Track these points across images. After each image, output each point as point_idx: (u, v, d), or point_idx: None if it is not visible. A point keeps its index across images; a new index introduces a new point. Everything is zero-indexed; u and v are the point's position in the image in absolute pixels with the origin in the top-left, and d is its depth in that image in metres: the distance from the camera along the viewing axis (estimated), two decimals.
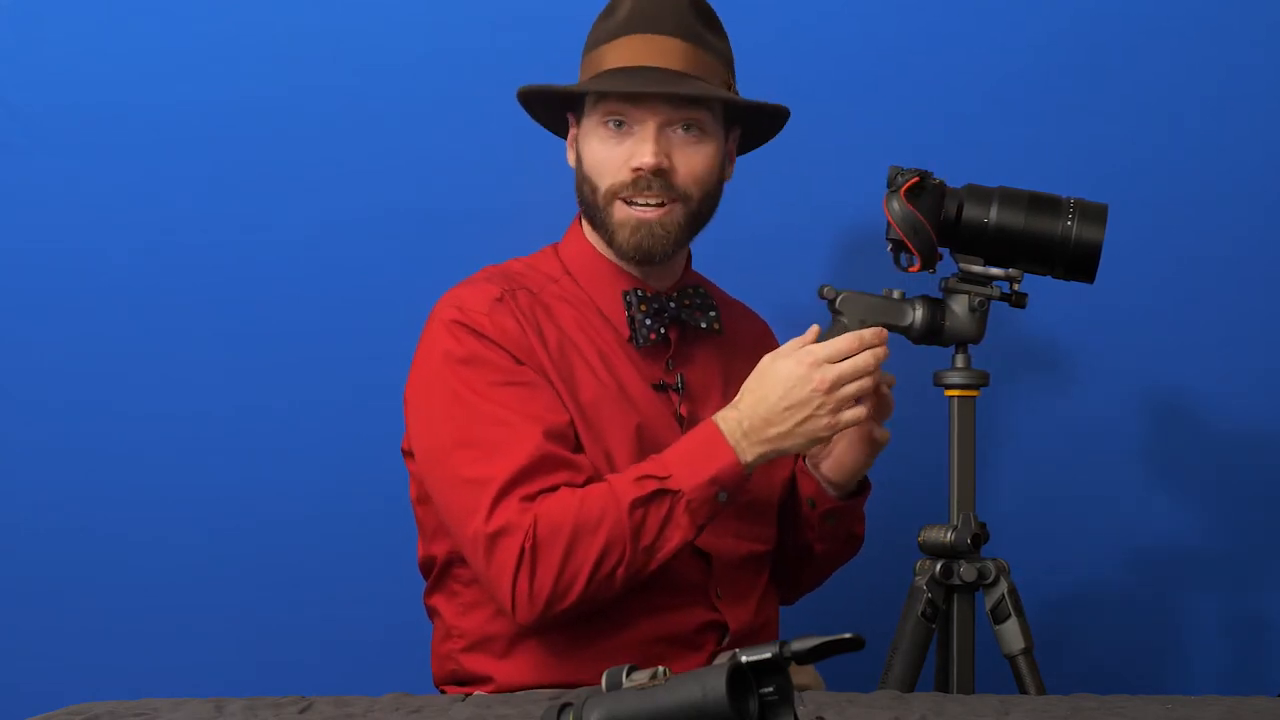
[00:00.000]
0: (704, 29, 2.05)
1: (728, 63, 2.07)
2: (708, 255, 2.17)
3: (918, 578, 2.01)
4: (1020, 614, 2.01)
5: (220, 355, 2.53)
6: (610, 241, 2.04)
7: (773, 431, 1.90)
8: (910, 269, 2.00)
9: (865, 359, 1.91)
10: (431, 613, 2.10)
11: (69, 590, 2.52)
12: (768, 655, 1.21)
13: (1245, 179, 2.55)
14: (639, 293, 2.06)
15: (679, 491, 1.90)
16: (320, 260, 2.53)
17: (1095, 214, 1.98)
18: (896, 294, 2.00)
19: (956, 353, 2.02)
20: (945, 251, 2.01)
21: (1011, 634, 2.01)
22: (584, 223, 2.10)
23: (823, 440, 1.94)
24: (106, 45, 2.52)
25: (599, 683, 1.31)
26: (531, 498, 1.89)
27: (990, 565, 2.01)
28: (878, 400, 1.98)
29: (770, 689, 1.22)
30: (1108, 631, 2.59)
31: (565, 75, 2.12)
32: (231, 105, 2.52)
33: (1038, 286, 2.05)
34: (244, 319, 2.53)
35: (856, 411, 1.91)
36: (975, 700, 1.77)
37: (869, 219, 2.16)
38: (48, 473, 2.52)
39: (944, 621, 2.02)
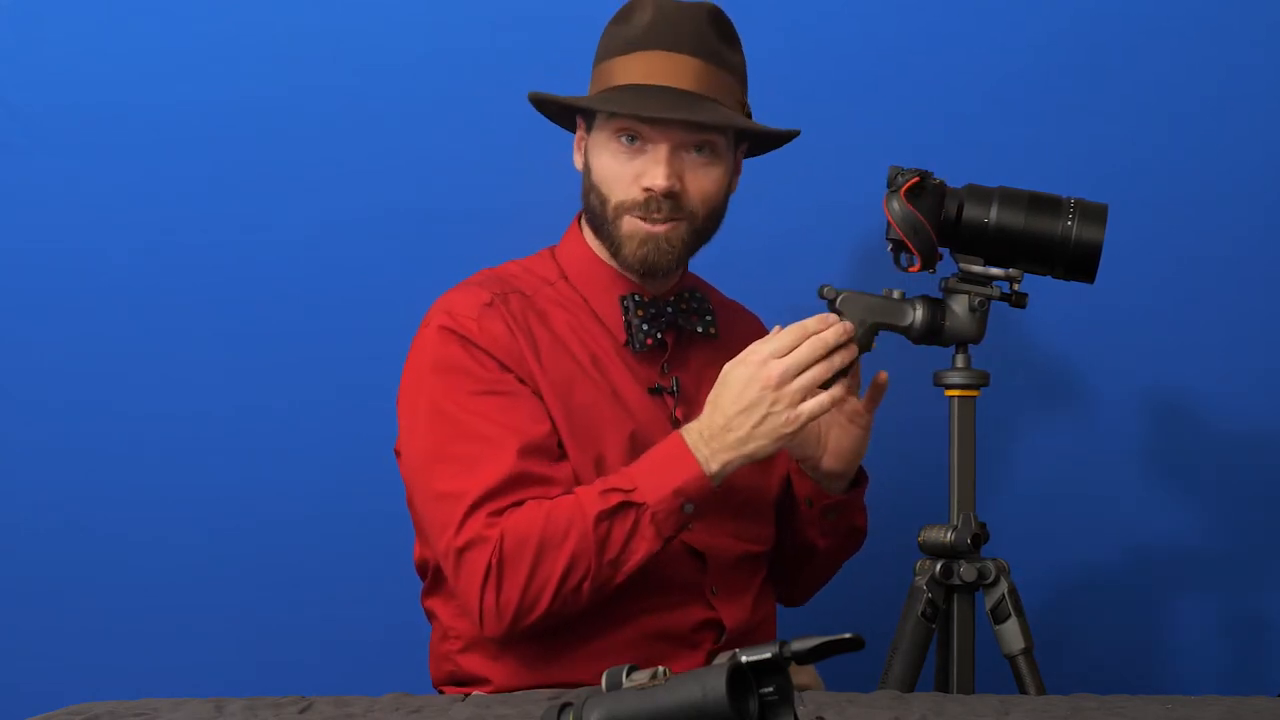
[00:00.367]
0: (721, 44, 2.04)
1: (742, 79, 2.07)
2: (709, 256, 2.17)
3: (918, 578, 2.01)
4: (1020, 614, 2.01)
5: (221, 355, 2.53)
6: (615, 252, 2.04)
7: (732, 437, 1.90)
8: (910, 269, 2.00)
9: (811, 347, 1.89)
10: (429, 614, 2.10)
11: (69, 590, 2.52)
12: (768, 655, 1.21)
13: (1245, 179, 2.55)
14: (636, 297, 2.06)
15: (644, 504, 1.90)
16: (320, 260, 2.53)
17: (1095, 214, 1.98)
18: (896, 294, 2.00)
19: (956, 353, 2.02)
20: (945, 251, 2.01)
21: (1011, 634, 2.01)
22: (583, 226, 2.10)
23: (789, 437, 1.90)
24: (106, 45, 2.52)
25: (597, 682, 1.31)
26: (500, 512, 1.90)
27: (990, 565, 2.01)
28: (853, 382, 1.97)
29: (770, 689, 1.22)
30: (1108, 631, 2.59)
31: (566, 75, 2.12)
32: (231, 105, 2.52)
33: (1038, 286, 2.04)
34: (245, 319, 2.53)
35: (818, 401, 1.89)
36: (975, 700, 1.77)
37: (869, 219, 2.16)
38: (48, 473, 2.52)
39: (944, 621, 2.02)
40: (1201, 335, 2.56)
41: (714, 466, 1.91)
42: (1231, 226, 2.56)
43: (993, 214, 1.98)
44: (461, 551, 1.90)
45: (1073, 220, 1.97)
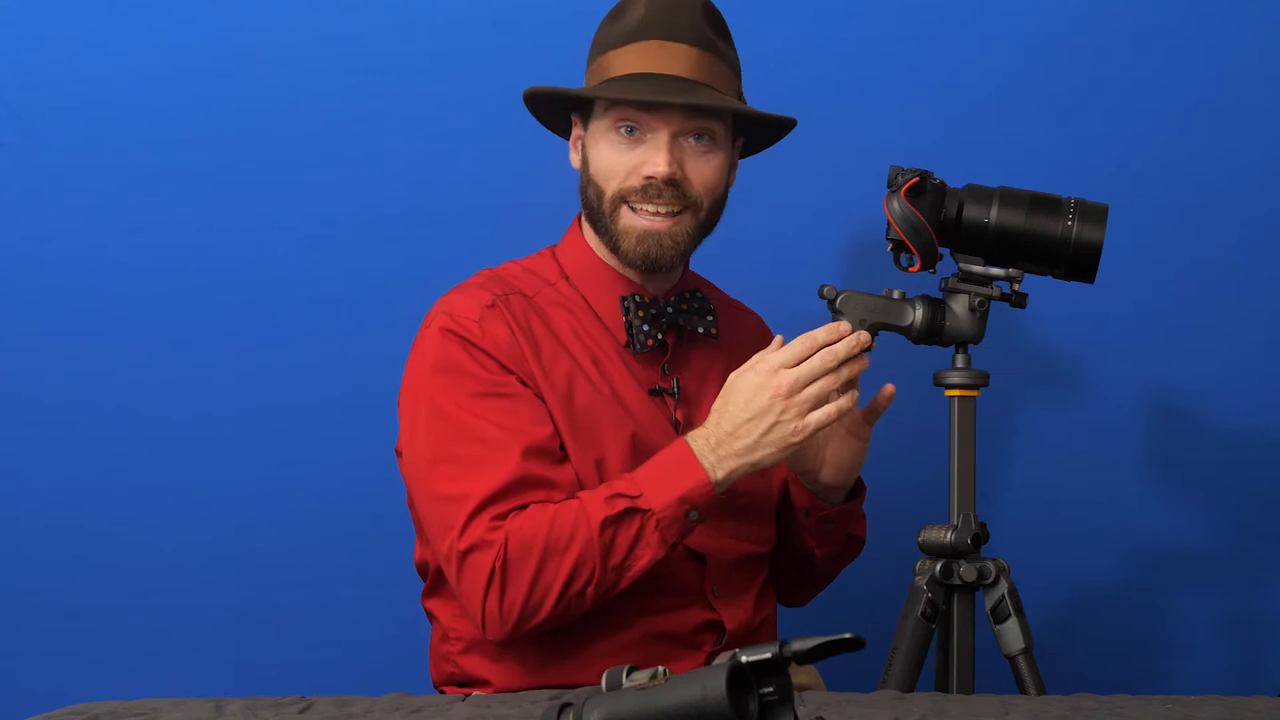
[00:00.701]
0: (716, 37, 2.04)
1: (737, 71, 2.07)
2: (709, 256, 2.17)
3: (918, 578, 2.01)
4: (1020, 614, 2.01)
5: (222, 355, 2.53)
6: (615, 248, 2.03)
7: (739, 444, 1.90)
8: (910, 269, 2.00)
9: (823, 358, 1.89)
10: (429, 615, 2.10)
11: (69, 590, 2.52)
12: (768, 655, 1.21)
13: (1245, 179, 2.55)
14: (637, 298, 2.05)
15: (649, 510, 1.89)
16: (322, 260, 2.53)
17: (1095, 214, 1.98)
18: (896, 294, 2.00)
19: (956, 353, 2.02)
20: (945, 251, 2.01)
21: (1011, 634, 2.01)
22: (583, 226, 2.10)
23: (795, 446, 1.90)
24: (106, 45, 2.52)
25: (598, 683, 1.30)
26: (504, 516, 1.90)
27: (990, 565, 2.01)
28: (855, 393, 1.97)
29: (770, 689, 1.22)
30: (1108, 631, 2.59)
31: (566, 76, 2.12)
32: (231, 105, 2.52)
33: (1038, 286, 2.05)
34: (248, 318, 2.53)
35: (825, 412, 1.89)
36: (975, 700, 1.77)
37: (869, 219, 2.16)
38: (47, 473, 2.52)
39: (944, 621, 2.02)
40: (1201, 335, 2.56)
41: (719, 474, 1.91)
42: (1231, 226, 2.56)
43: (993, 214, 1.98)
44: (465, 555, 1.90)
45: (1073, 220, 1.97)
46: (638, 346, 2.04)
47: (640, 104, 1.98)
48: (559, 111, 2.11)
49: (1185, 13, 2.55)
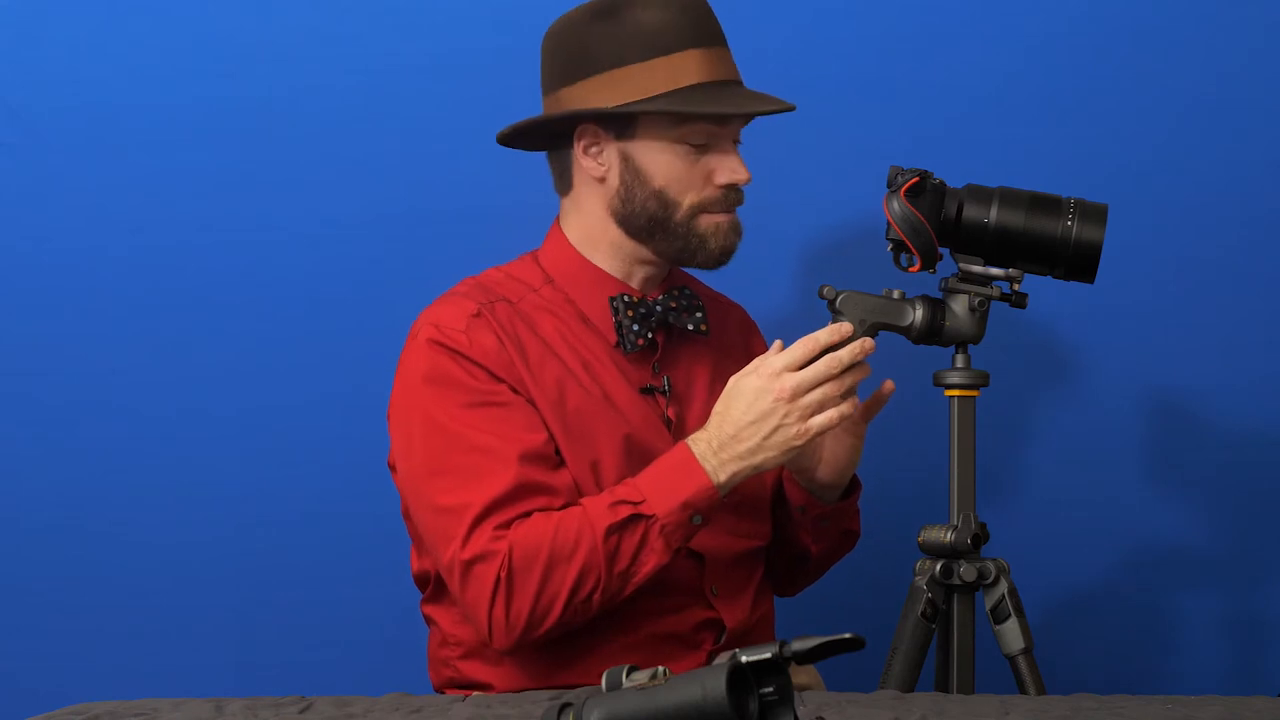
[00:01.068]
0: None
1: None
2: None
3: (918, 578, 2.01)
4: (1020, 614, 2.01)
5: (222, 355, 2.53)
6: (692, 253, 2.04)
7: (742, 448, 1.90)
8: (910, 269, 2.00)
9: (827, 364, 1.89)
10: (428, 620, 2.10)
11: (69, 590, 2.52)
12: (768, 655, 1.20)
13: (1245, 179, 2.55)
14: (625, 298, 2.05)
15: (653, 516, 1.89)
16: (322, 260, 2.53)
17: (1095, 214, 1.98)
18: (896, 294, 1.99)
19: (956, 353, 2.02)
20: (945, 251, 2.01)
21: (1011, 634, 2.01)
22: (565, 228, 2.09)
23: (797, 449, 1.91)
24: (106, 45, 2.52)
25: (598, 684, 1.30)
26: (507, 524, 1.89)
27: (990, 565, 2.01)
28: (852, 399, 1.96)
29: (770, 689, 1.22)
30: (1108, 631, 2.59)
31: None
32: (231, 105, 2.52)
33: (1038, 286, 2.04)
34: (248, 318, 2.53)
35: (828, 416, 1.89)
36: (975, 700, 1.77)
37: (869, 219, 2.16)
38: (47, 472, 2.52)
39: (944, 621, 2.02)
40: (1201, 335, 2.56)
41: (722, 477, 1.91)
42: (1231, 226, 2.56)
43: (993, 214, 1.97)
44: (469, 564, 1.89)
45: (1073, 220, 1.97)
46: (628, 346, 2.04)
47: (721, 116, 1.99)
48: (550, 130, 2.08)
49: (1185, 13, 2.55)
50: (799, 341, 1.91)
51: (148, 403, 2.52)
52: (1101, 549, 2.58)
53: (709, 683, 1.19)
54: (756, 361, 1.93)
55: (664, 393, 2.06)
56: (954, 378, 2.02)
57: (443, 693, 2.06)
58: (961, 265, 2.01)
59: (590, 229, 2.07)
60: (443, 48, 2.53)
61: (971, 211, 1.98)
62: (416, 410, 1.97)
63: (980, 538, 2.01)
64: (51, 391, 2.52)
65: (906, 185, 1.97)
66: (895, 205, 1.97)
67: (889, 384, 2.01)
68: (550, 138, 2.08)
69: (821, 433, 1.90)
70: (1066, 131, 2.55)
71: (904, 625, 2.00)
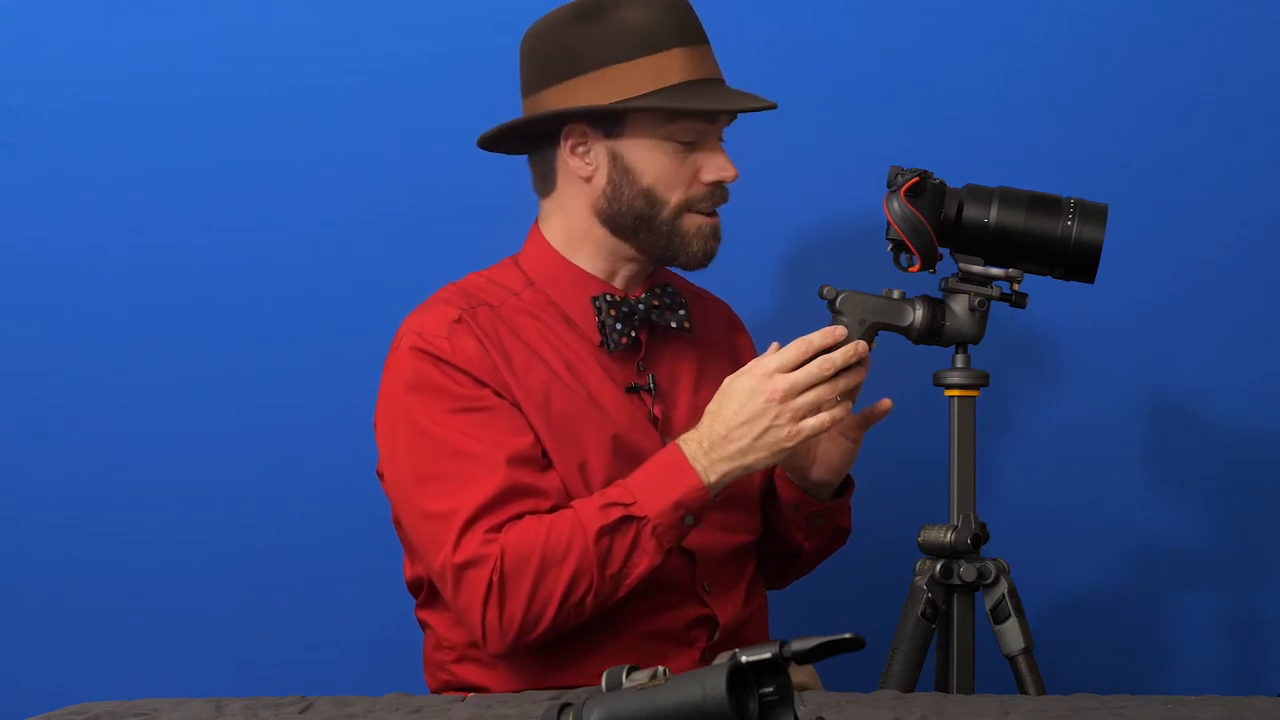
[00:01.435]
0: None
1: None
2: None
3: (918, 578, 2.01)
4: (1020, 614, 2.01)
5: (222, 355, 2.53)
6: (674, 253, 2.04)
7: (733, 448, 1.90)
8: (910, 269, 2.00)
9: (820, 366, 1.89)
10: (422, 624, 2.10)
11: (69, 590, 2.52)
12: (767, 655, 1.20)
13: (1245, 179, 2.55)
14: (608, 298, 2.05)
15: (644, 518, 1.90)
16: (322, 260, 2.53)
17: (1095, 214, 1.98)
18: (896, 294, 2.00)
19: (956, 353, 2.02)
20: (945, 251, 2.01)
21: (1011, 634, 2.01)
22: (545, 230, 2.09)
23: (788, 451, 1.91)
24: (106, 45, 2.52)
25: (596, 684, 1.30)
26: (497, 528, 1.89)
27: (990, 565, 2.01)
28: (846, 403, 1.96)
29: (770, 689, 1.22)
30: (1108, 631, 2.59)
31: None
32: (231, 105, 2.52)
33: (1038, 286, 2.04)
34: (247, 318, 2.53)
35: (819, 419, 1.89)
36: (975, 700, 1.77)
37: (869, 219, 2.16)
38: (47, 472, 2.52)
39: (944, 621, 2.02)
40: (1201, 335, 2.56)
41: (713, 477, 1.91)
42: (1231, 226, 2.56)
43: (993, 214, 1.97)
44: (460, 569, 1.89)
45: (1073, 220, 1.97)
46: (612, 345, 2.04)
47: (710, 113, 1.99)
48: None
49: (1185, 13, 2.55)
50: (793, 343, 1.91)
51: (148, 403, 2.52)
52: (1101, 549, 2.58)
53: (709, 683, 1.19)
54: (752, 362, 1.93)
55: (649, 391, 2.06)
56: (954, 378, 2.02)
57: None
58: (961, 265, 2.01)
59: (573, 229, 2.07)
60: (443, 48, 2.53)
61: (971, 211, 1.98)
62: (402, 418, 1.97)
63: (980, 538, 2.01)
64: (51, 391, 2.52)
65: (906, 185, 1.97)
66: (895, 205, 1.97)
67: (886, 402, 2.02)
68: (533, 139, 2.08)
69: (813, 435, 1.90)
70: (1066, 131, 2.55)
71: (904, 625, 2.00)
